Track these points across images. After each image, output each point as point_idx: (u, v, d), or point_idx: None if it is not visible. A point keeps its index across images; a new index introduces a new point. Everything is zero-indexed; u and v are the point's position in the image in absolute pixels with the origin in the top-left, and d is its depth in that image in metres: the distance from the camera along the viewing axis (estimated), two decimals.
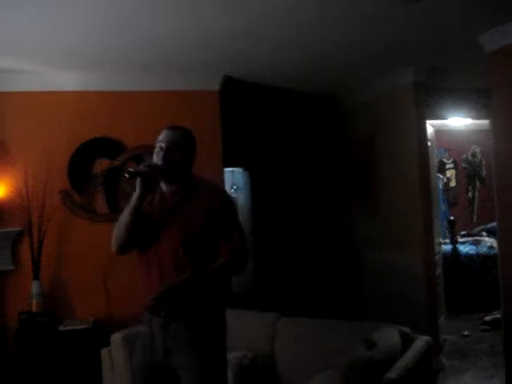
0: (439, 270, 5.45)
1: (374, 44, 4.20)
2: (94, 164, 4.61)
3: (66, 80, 4.50)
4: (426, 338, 3.50)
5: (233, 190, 6.33)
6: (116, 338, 3.57)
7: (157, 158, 2.52)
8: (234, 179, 6.31)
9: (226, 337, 2.59)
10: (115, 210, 4.59)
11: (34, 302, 4.25)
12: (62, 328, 4.20)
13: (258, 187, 6.15)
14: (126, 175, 2.51)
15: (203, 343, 2.46)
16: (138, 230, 2.53)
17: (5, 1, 2.97)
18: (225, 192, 2.71)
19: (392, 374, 2.88)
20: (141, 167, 2.55)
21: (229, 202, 2.61)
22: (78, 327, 4.21)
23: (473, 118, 5.75)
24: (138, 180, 2.47)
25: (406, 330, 3.45)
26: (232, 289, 2.70)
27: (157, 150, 2.54)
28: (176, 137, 2.55)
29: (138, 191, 2.48)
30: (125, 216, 2.53)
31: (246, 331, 3.71)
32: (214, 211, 2.48)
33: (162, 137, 2.55)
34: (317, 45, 4.15)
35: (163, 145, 2.52)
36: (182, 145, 2.55)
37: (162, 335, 2.46)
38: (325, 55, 4.44)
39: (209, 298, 2.51)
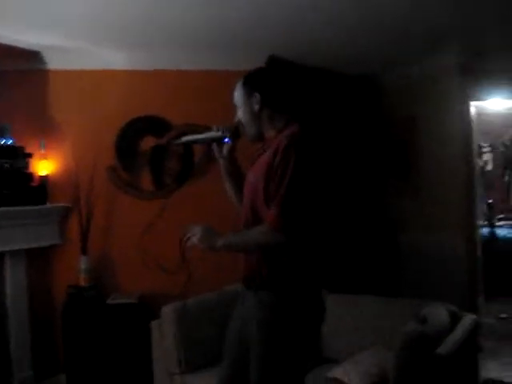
0: (478, 253, 5.44)
1: (415, 22, 4.14)
2: (141, 141, 4.67)
3: (115, 58, 4.56)
4: (472, 316, 3.51)
5: None
6: (167, 310, 3.63)
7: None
8: None
9: (311, 325, 2.26)
10: (161, 187, 4.67)
11: (82, 276, 4.35)
12: (110, 301, 4.30)
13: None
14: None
15: (273, 326, 2.17)
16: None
17: None
18: (293, 141, 2.16)
19: (443, 349, 2.91)
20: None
21: (292, 153, 2.12)
22: (126, 301, 4.30)
23: None
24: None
25: (453, 307, 3.46)
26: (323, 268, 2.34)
27: None
28: (235, 91, 2.40)
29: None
30: (225, 181, 2.53)
31: None
32: (274, 163, 2.14)
33: None
34: (356, 22, 4.10)
35: None
36: (241, 97, 2.36)
37: (242, 304, 2.36)
38: (365, 33, 4.38)
39: (286, 273, 2.19)
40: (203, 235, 2.20)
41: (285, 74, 2.44)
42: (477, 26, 4.26)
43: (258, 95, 2.30)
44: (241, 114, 2.37)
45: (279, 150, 2.13)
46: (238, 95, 2.37)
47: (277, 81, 2.40)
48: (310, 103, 5.52)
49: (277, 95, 2.35)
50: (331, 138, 5.98)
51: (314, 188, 2.20)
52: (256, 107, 2.31)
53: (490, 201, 7.25)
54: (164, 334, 3.66)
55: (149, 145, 4.66)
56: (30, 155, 4.27)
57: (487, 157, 7.97)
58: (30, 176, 4.27)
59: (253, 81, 2.36)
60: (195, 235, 2.20)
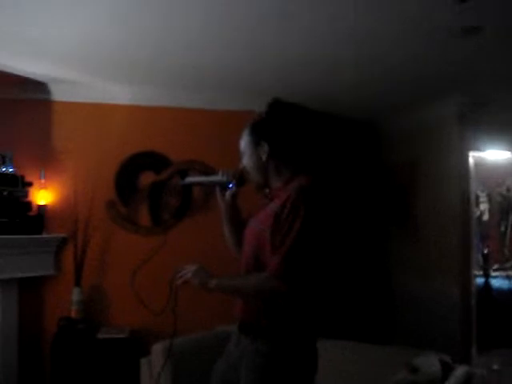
0: (472, 303, 5.42)
1: (418, 73, 4.24)
2: (141, 177, 4.70)
3: (117, 93, 4.62)
4: (465, 367, 3.48)
5: None
6: (157, 348, 3.60)
7: None
8: None
9: (306, 376, 2.21)
10: (158, 224, 4.68)
11: (74, 308, 4.33)
12: (100, 336, 4.26)
13: None
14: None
15: (268, 374, 2.13)
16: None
17: (57, 9, 3.03)
18: (304, 193, 2.14)
19: None
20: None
21: (302, 205, 2.09)
22: (116, 336, 4.27)
23: None
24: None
25: (446, 358, 3.44)
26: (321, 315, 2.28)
27: None
28: (242, 138, 2.37)
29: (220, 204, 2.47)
30: (224, 225, 2.51)
31: None
32: (282, 214, 2.11)
33: None
34: (361, 70, 4.19)
35: None
36: (247, 144, 2.33)
37: (235, 349, 2.31)
38: (369, 81, 4.48)
39: (285, 323, 2.16)
40: (196, 272, 2.18)
41: (293, 123, 2.41)
42: (477, 77, 4.34)
43: (266, 145, 2.27)
44: (246, 162, 2.34)
45: (288, 203, 2.10)
46: (245, 143, 2.34)
47: (286, 132, 2.34)
48: (313, 151, 5.54)
49: (285, 147, 2.32)
50: (333, 184, 6.01)
51: (319, 241, 2.17)
52: (264, 157, 2.28)
53: (486, 251, 7.23)
54: (153, 372, 3.62)
55: (148, 180, 4.69)
56: (29, 184, 4.28)
57: (484, 206, 7.99)
58: (29, 205, 4.27)
59: (261, 130, 2.32)
60: (189, 271, 2.18)
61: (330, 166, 5.55)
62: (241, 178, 2.39)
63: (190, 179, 2.59)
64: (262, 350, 2.15)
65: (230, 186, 2.41)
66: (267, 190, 2.37)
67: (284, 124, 2.38)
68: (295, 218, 2.07)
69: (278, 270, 2.06)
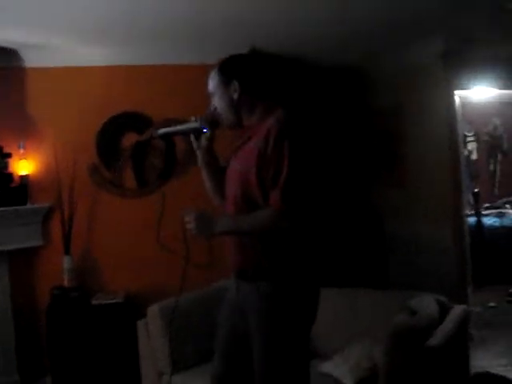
0: (466, 243, 5.43)
1: (401, 13, 4.11)
2: (123, 138, 4.60)
3: (93, 55, 4.47)
4: (462, 306, 3.50)
5: None
6: (153, 310, 3.57)
7: None
8: None
9: (310, 314, 2.23)
10: (143, 185, 4.61)
11: (66, 277, 4.28)
12: (94, 302, 4.23)
13: None
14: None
15: (275, 315, 2.14)
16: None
17: None
18: (284, 125, 2.13)
19: (434, 341, 2.88)
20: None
21: (285, 136, 2.09)
22: (111, 301, 4.24)
23: (499, 87, 5.66)
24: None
25: (442, 298, 3.43)
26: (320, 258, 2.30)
27: None
28: (210, 79, 2.34)
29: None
30: (203, 173, 2.46)
31: None
32: (267, 147, 2.10)
33: None
34: (342, 11, 4.05)
35: None
36: (217, 84, 2.30)
37: (236, 295, 2.29)
38: (350, 22, 4.34)
39: (285, 263, 2.16)
40: (198, 224, 2.14)
41: (263, 60, 2.38)
42: (461, 14, 4.23)
43: (236, 83, 2.25)
44: (217, 102, 2.32)
45: (271, 136, 2.09)
46: (214, 83, 2.31)
47: (255, 67, 2.36)
48: (292, 94, 5.46)
49: (256, 82, 2.31)
50: (316, 128, 5.94)
51: (309, 172, 2.17)
52: (235, 95, 2.26)
53: (476, 190, 7.26)
54: (150, 334, 3.60)
55: (130, 141, 4.59)
56: (9, 155, 4.18)
57: (472, 146, 7.99)
58: (10, 176, 4.18)
59: (230, 68, 2.31)
60: (190, 223, 2.14)
61: (308, 102, 5.46)
62: (213, 121, 2.36)
63: (164, 130, 2.53)
64: (263, 292, 2.15)
65: (205, 130, 2.37)
66: (241, 130, 2.36)
67: (253, 61, 2.42)
68: (282, 150, 2.07)
69: (279, 205, 2.07)
